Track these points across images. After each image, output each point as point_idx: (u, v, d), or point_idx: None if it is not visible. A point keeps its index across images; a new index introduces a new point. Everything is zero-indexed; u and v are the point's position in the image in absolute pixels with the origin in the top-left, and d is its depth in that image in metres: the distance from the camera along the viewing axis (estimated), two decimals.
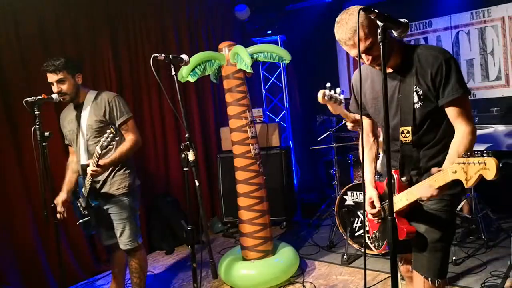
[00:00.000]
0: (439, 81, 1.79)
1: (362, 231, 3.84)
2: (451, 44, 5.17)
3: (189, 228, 2.21)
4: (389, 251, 1.92)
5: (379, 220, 2.09)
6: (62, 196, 2.96)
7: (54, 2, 3.75)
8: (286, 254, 3.61)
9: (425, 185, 1.70)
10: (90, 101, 2.87)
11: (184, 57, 2.36)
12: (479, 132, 4.36)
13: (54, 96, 2.75)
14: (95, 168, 2.64)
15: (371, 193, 2.08)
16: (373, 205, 2.05)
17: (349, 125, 2.67)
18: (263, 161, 4.27)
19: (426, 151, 1.91)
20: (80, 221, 2.94)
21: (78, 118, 2.88)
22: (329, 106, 2.49)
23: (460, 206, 4.09)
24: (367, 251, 3.77)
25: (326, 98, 2.40)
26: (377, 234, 2.14)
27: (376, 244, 2.15)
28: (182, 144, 2.15)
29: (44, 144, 2.62)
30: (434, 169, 1.67)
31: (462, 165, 1.50)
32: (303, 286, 3.43)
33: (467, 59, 5.10)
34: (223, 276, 3.55)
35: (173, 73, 2.27)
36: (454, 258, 3.44)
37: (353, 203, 3.92)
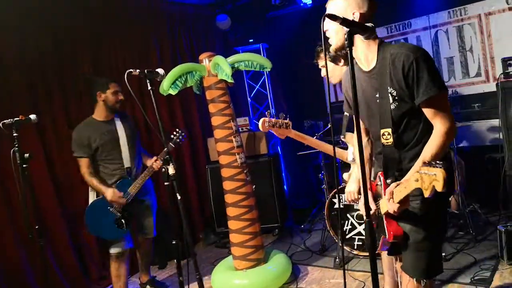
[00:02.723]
0: (411, 81, 1.75)
1: (353, 233, 3.86)
2: (431, 43, 5.25)
3: (173, 242, 2.21)
4: (382, 251, 2.03)
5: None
6: (114, 190, 3.25)
7: (35, 21, 3.75)
8: (278, 261, 3.61)
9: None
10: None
11: (160, 71, 2.38)
12: (462, 128, 4.45)
13: (32, 116, 2.78)
14: (161, 163, 3.25)
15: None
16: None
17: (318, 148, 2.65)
18: (252, 169, 4.29)
19: (407, 152, 1.88)
20: (121, 219, 3.26)
21: (113, 129, 3.38)
22: (275, 133, 2.48)
23: None
24: (359, 252, 3.81)
25: (267, 125, 2.38)
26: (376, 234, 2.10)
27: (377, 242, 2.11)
28: (161, 158, 2.16)
29: (24, 166, 2.64)
30: (392, 185, 1.74)
31: (421, 174, 1.48)
32: None
33: (447, 57, 5.18)
34: (215, 287, 3.55)
35: (149, 87, 2.28)
36: (443, 254, 3.47)
37: (342, 206, 3.94)
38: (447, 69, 5.18)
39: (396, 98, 1.81)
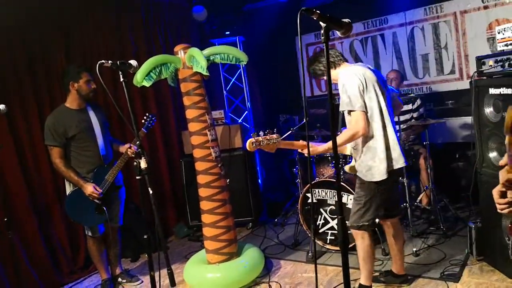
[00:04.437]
0: None
1: (326, 227, 3.88)
2: (407, 39, 5.30)
3: (145, 236, 2.16)
4: None
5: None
6: (92, 185, 3.25)
7: (2, 9, 3.58)
8: (251, 255, 3.60)
9: None
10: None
11: (133, 62, 2.31)
12: (436, 125, 4.52)
13: (1, 106, 2.79)
14: (135, 149, 3.25)
15: (501, 178, 1.64)
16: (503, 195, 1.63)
17: (305, 153, 2.62)
18: (227, 163, 4.25)
19: None
20: (104, 208, 3.28)
21: (88, 118, 3.38)
22: (265, 150, 2.49)
23: (419, 198, 4.21)
24: (331, 247, 3.84)
25: (253, 146, 2.39)
26: None
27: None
28: (134, 144, 2.09)
29: None
30: None
31: None
32: (269, 286, 3.42)
33: (422, 54, 5.24)
34: (188, 280, 3.51)
35: (122, 79, 2.20)
36: (414, 249, 3.53)
37: (315, 201, 3.95)
38: (422, 66, 5.24)
39: None
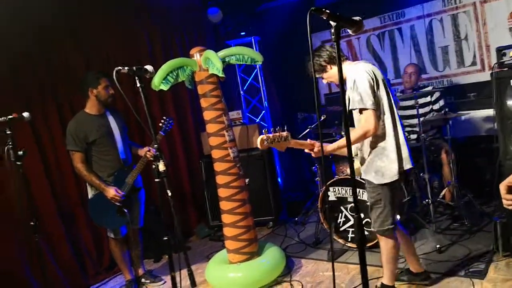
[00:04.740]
0: None
1: (346, 225, 3.86)
2: (425, 32, 5.20)
3: (165, 238, 2.20)
4: None
5: None
6: (115, 189, 3.35)
7: (21, 19, 3.68)
8: (272, 254, 3.61)
9: None
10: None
11: (149, 68, 2.35)
12: (457, 119, 4.42)
13: (25, 114, 2.85)
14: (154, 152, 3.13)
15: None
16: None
17: (313, 154, 2.56)
18: (246, 163, 4.27)
19: None
20: (125, 210, 3.35)
21: (107, 123, 3.47)
22: (276, 148, 2.45)
23: (442, 194, 4.13)
24: (352, 245, 3.81)
25: (266, 144, 2.34)
26: None
27: None
28: (153, 146, 2.13)
29: (18, 163, 2.70)
30: None
31: None
32: (291, 285, 3.43)
33: (442, 46, 5.14)
34: (210, 280, 3.55)
35: (138, 84, 2.24)
36: (438, 246, 3.47)
37: (335, 199, 3.93)
38: (442, 59, 5.14)
39: None
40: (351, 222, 3.83)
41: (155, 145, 2.30)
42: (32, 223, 2.80)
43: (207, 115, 3.55)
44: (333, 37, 1.63)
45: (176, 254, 2.78)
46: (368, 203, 2.77)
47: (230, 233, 3.54)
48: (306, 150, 2.58)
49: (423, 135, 3.86)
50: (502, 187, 1.69)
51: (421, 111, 4.29)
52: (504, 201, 1.68)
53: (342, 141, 2.61)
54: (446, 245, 3.55)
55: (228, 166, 3.53)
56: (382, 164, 2.61)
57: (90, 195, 3.48)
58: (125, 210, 3.37)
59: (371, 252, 3.54)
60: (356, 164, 2.83)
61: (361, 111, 2.55)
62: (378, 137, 2.62)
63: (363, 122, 2.54)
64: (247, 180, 3.82)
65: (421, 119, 3.96)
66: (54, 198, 3.90)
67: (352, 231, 3.83)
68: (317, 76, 2.83)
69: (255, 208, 3.77)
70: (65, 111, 4.01)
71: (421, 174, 4.01)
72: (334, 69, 2.74)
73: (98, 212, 3.44)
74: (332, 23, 1.63)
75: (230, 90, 5.71)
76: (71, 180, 4.01)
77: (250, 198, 3.65)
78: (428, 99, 4.44)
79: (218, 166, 3.57)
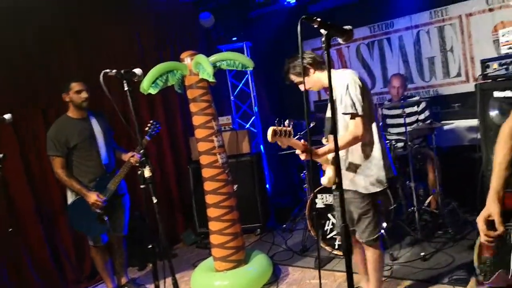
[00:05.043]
0: None
1: (334, 233, 3.87)
2: (413, 43, 5.28)
3: (149, 246, 2.18)
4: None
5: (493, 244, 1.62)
6: (96, 194, 3.28)
7: (7, 21, 3.65)
8: (259, 262, 3.60)
9: None
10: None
11: (137, 71, 2.34)
12: (442, 128, 4.49)
13: (7, 116, 2.81)
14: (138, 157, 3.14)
15: (490, 207, 1.58)
16: (491, 226, 1.57)
17: (302, 156, 2.50)
18: (234, 169, 4.26)
19: None
20: (106, 218, 3.30)
21: (90, 126, 3.40)
22: (279, 142, 2.40)
23: (427, 201, 4.18)
24: (339, 252, 3.82)
25: (277, 136, 2.27)
26: (490, 262, 1.66)
27: (488, 276, 1.66)
28: (137, 152, 2.12)
29: None
30: None
31: None
32: None
33: (429, 57, 5.22)
34: None
35: (126, 88, 2.23)
36: (422, 254, 3.51)
37: (323, 206, 3.95)
38: (429, 69, 5.22)
39: None
40: (338, 230, 3.85)
41: (141, 150, 2.28)
42: (10, 230, 2.76)
43: (196, 120, 3.55)
44: (323, 45, 1.65)
45: (161, 262, 2.76)
46: (355, 215, 2.70)
47: (217, 241, 3.52)
48: (297, 151, 2.52)
49: (409, 143, 3.91)
50: (481, 221, 1.58)
51: (408, 120, 4.34)
52: (483, 237, 1.57)
53: (333, 145, 2.58)
54: (430, 252, 3.59)
55: (217, 172, 3.52)
56: (371, 173, 2.60)
57: (69, 201, 3.42)
58: (106, 218, 3.31)
59: None
60: (330, 173, 2.72)
61: (352, 116, 2.52)
62: (366, 145, 2.61)
63: (353, 128, 2.51)
64: (235, 187, 3.82)
65: (408, 128, 4.02)
66: (35, 201, 3.83)
67: (339, 238, 3.85)
68: (296, 81, 2.78)
69: (242, 214, 3.76)
70: (49, 115, 3.94)
71: (407, 182, 4.05)
72: (317, 74, 2.73)
73: (78, 218, 3.37)
74: (323, 32, 1.65)
75: (220, 95, 5.71)
76: (53, 184, 3.92)
77: (238, 204, 3.64)
78: (415, 108, 4.51)
79: (206, 172, 3.56)
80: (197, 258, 4.38)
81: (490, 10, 4.65)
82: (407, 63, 5.37)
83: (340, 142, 2.45)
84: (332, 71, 2.65)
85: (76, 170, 3.38)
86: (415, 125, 4.40)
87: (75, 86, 3.33)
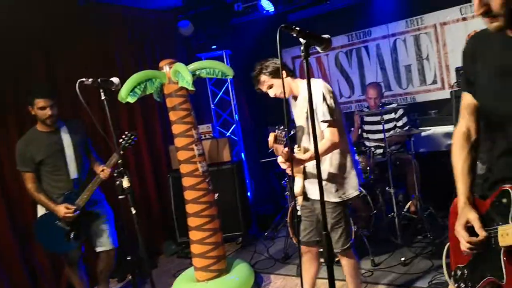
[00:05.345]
0: None
1: None
2: (390, 51, 5.38)
3: (128, 258, 2.13)
4: None
5: (473, 251, 1.50)
6: (65, 205, 3.08)
7: None
8: (240, 271, 3.58)
9: None
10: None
11: (115, 80, 2.31)
12: (420, 135, 4.58)
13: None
14: (109, 172, 3.12)
15: (467, 214, 1.50)
16: (471, 231, 1.49)
17: (284, 165, 2.49)
18: (215, 177, 4.23)
19: None
20: (71, 235, 3.11)
21: (59, 140, 3.19)
22: (275, 149, 2.39)
23: (407, 207, 4.23)
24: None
25: (277, 142, 2.28)
26: (465, 270, 1.58)
27: (463, 284, 1.58)
28: (116, 170, 2.08)
29: None
30: None
31: None
32: None
33: (405, 65, 5.32)
34: None
35: (103, 97, 2.20)
36: (402, 259, 3.54)
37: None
38: (406, 77, 5.32)
39: None
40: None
41: (119, 161, 2.24)
42: None
43: (176, 128, 3.52)
44: (303, 54, 1.66)
45: (141, 273, 2.71)
46: (328, 225, 2.71)
47: (198, 250, 3.48)
48: (279, 160, 2.52)
49: (388, 150, 3.96)
50: (462, 229, 1.49)
51: (386, 127, 4.41)
52: (466, 245, 1.48)
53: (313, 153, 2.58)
54: (410, 257, 3.63)
55: (197, 181, 3.49)
56: (343, 181, 2.62)
57: (38, 216, 3.23)
58: (72, 235, 3.12)
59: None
60: (300, 183, 2.75)
61: (330, 124, 2.53)
62: (337, 154, 2.61)
63: (331, 135, 2.51)
64: (216, 195, 3.79)
65: (386, 134, 4.08)
66: (9, 217, 3.69)
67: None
68: (267, 84, 2.77)
69: (224, 223, 3.74)
70: (26, 124, 3.68)
71: (387, 188, 4.10)
72: (289, 79, 2.73)
73: (45, 235, 3.17)
74: (302, 41, 1.66)
75: (200, 103, 5.68)
76: (28, 199, 3.64)
77: (219, 213, 3.62)
78: (392, 115, 4.58)
79: (186, 181, 3.52)
80: (177, 268, 4.32)
81: (464, 19, 4.78)
82: (384, 70, 5.47)
83: (320, 149, 2.43)
84: (302, 80, 2.73)
85: (45, 184, 3.21)
86: (393, 131, 4.47)
87: (38, 102, 3.05)
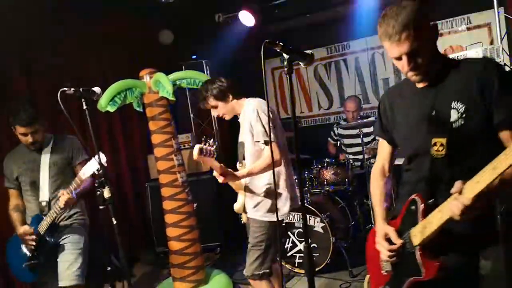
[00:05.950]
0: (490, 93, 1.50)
1: (294, 251, 3.89)
2: (368, 64, 5.50)
3: (108, 268, 2.10)
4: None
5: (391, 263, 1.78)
6: (25, 227, 2.79)
7: None
8: (219, 282, 3.56)
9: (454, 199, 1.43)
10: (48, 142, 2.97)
11: (97, 89, 2.29)
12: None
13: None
14: (71, 198, 2.62)
15: (385, 228, 1.79)
16: (389, 242, 1.74)
17: (220, 179, 2.47)
18: (195, 187, 4.21)
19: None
20: (27, 263, 2.80)
21: (38, 158, 2.91)
22: (202, 162, 2.37)
23: None
24: (299, 270, 3.84)
25: (202, 155, 2.25)
26: (387, 286, 1.83)
27: None
28: (97, 181, 2.05)
29: None
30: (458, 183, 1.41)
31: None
32: None
33: (383, 78, 5.45)
34: None
35: (85, 107, 2.17)
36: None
37: (283, 224, 3.96)
38: (383, 90, 5.44)
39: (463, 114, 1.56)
40: (298, 247, 3.87)
41: (101, 171, 2.20)
42: None
43: (155, 138, 3.50)
44: (286, 68, 1.68)
45: (120, 283, 2.65)
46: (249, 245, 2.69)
47: (177, 261, 3.45)
48: (215, 174, 2.48)
49: (366, 162, 4.03)
50: (383, 240, 1.75)
51: (365, 139, 4.48)
52: (386, 254, 1.73)
53: (250, 169, 2.55)
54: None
55: (176, 191, 3.47)
56: (272, 201, 2.58)
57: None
58: (31, 263, 2.80)
59: (319, 278, 3.59)
60: (241, 199, 2.78)
61: (266, 143, 2.51)
62: (270, 174, 2.56)
63: (267, 155, 2.49)
64: (195, 205, 3.76)
65: (365, 147, 4.14)
66: None
67: (299, 256, 3.87)
68: (211, 105, 2.78)
69: (203, 233, 3.72)
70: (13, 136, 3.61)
71: (365, 200, 4.16)
72: (234, 102, 2.76)
73: (13, 257, 2.92)
74: (285, 56, 1.68)
75: (179, 113, 5.65)
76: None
77: (198, 223, 3.60)
78: (371, 128, 4.66)
79: (165, 191, 3.50)
80: (155, 278, 4.26)
81: (440, 35, 4.91)
82: (363, 83, 5.57)
83: (256, 169, 2.50)
84: (247, 99, 2.75)
85: (26, 203, 3.01)
86: (371, 144, 4.55)
87: (19, 129, 2.81)
